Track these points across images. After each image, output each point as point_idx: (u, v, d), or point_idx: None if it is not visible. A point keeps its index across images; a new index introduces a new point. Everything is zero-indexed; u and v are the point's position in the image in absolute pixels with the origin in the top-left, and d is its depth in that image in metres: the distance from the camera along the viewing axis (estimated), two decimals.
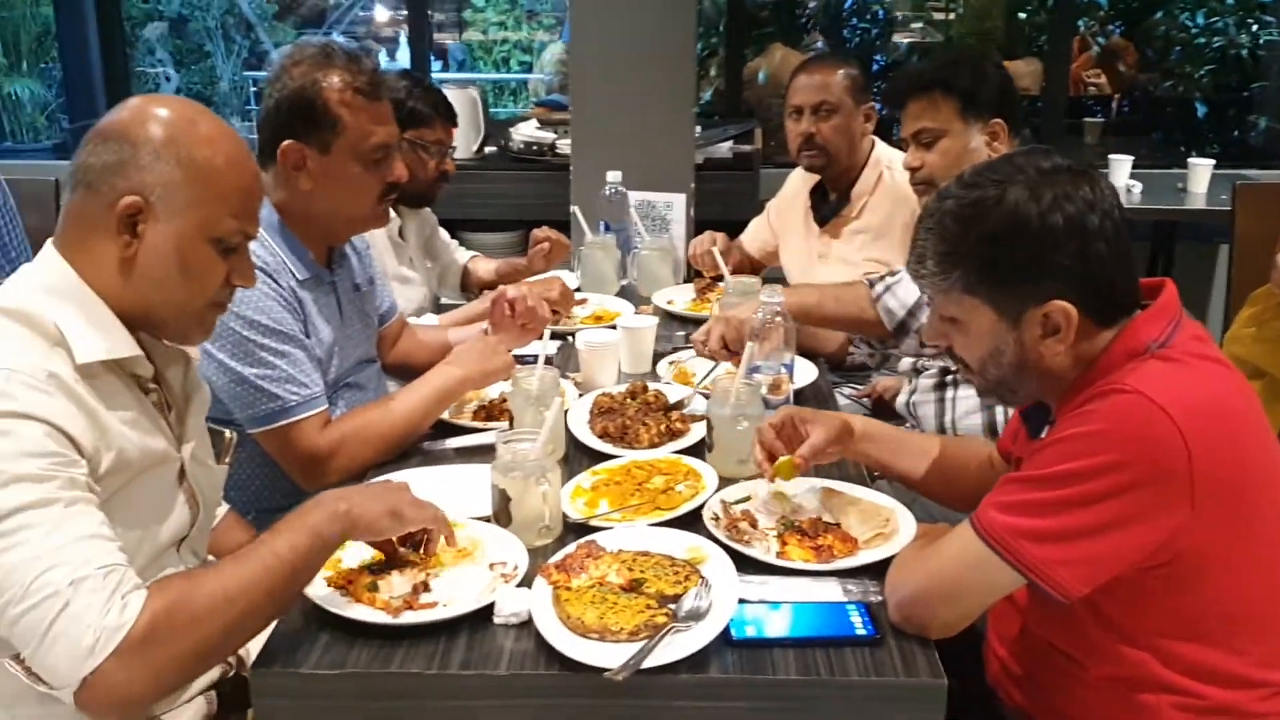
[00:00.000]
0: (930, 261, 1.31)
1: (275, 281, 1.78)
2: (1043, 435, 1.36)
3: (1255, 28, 6.07)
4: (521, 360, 1.98)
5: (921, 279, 1.35)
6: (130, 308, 1.28)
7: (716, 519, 1.52)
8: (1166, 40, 6.33)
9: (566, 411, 1.88)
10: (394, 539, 1.38)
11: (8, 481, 1.11)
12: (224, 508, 1.63)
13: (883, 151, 2.71)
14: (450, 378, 1.88)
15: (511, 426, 1.79)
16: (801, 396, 2.01)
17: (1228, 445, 1.21)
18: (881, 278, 2.07)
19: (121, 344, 1.27)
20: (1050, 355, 1.28)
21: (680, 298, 2.61)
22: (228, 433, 1.53)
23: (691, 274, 2.79)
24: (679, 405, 1.92)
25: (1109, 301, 1.28)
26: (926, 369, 2.11)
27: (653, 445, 1.79)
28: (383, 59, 8.16)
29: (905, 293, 2.01)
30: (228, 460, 1.53)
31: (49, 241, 1.31)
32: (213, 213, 1.28)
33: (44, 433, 1.14)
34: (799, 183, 2.86)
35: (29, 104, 6.58)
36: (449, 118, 2.62)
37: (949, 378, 2.05)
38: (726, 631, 1.25)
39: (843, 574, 1.41)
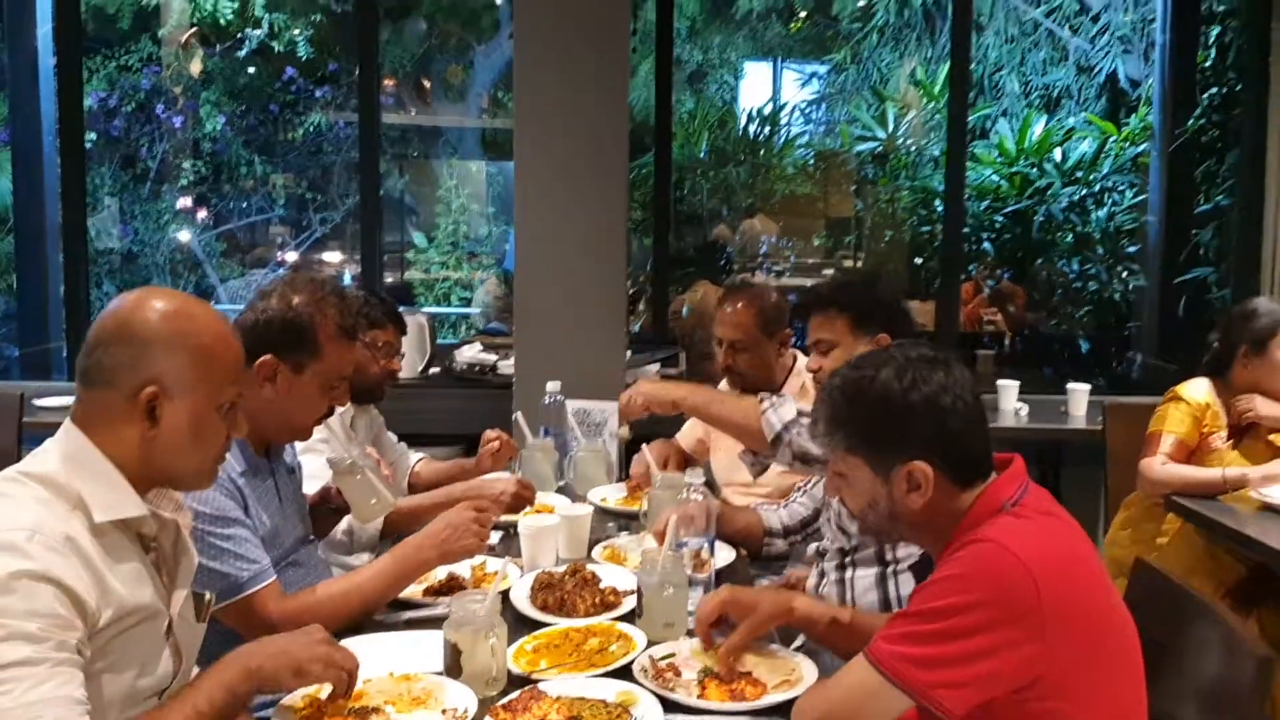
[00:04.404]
0: (822, 425, 1.61)
1: None
2: None
3: (1125, 275, 6.76)
4: None
5: (816, 439, 1.64)
6: (148, 475, 1.48)
7: (645, 670, 1.72)
8: (1050, 284, 7.00)
9: (508, 591, 2.08)
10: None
11: (8, 636, 1.27)
12: (194, 670, 1.77)
13: (804, 363, 3.06)
14: (418, 559, 2.02)
15: None
16: (722, 576, 2.24)
17: (1070, 584, 1.46)
18: (769, 397, 2.36)
19: (132, 506, 1.46)
20: (913, 506, 1.54)
21: (613, 495, 2.85)
22: (207, 594, 1.69)
23: (623, 475, 3.05)
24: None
25: (963, 466, 1.56)
26: (827, 552, 2.35)
27: (588, 615, 1.99)
28: None
29: (785, 410, 2.30)
30: (205, 620, 1.69)
31: (68, 419, 1.51)
32: (218, 385, 1.50)
33: (53, 594, 1.31)
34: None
35: None
36: (398, 323, 2.93)
37: (846, 558, 2.29)
38: None
39: (755, 713, 1.61)
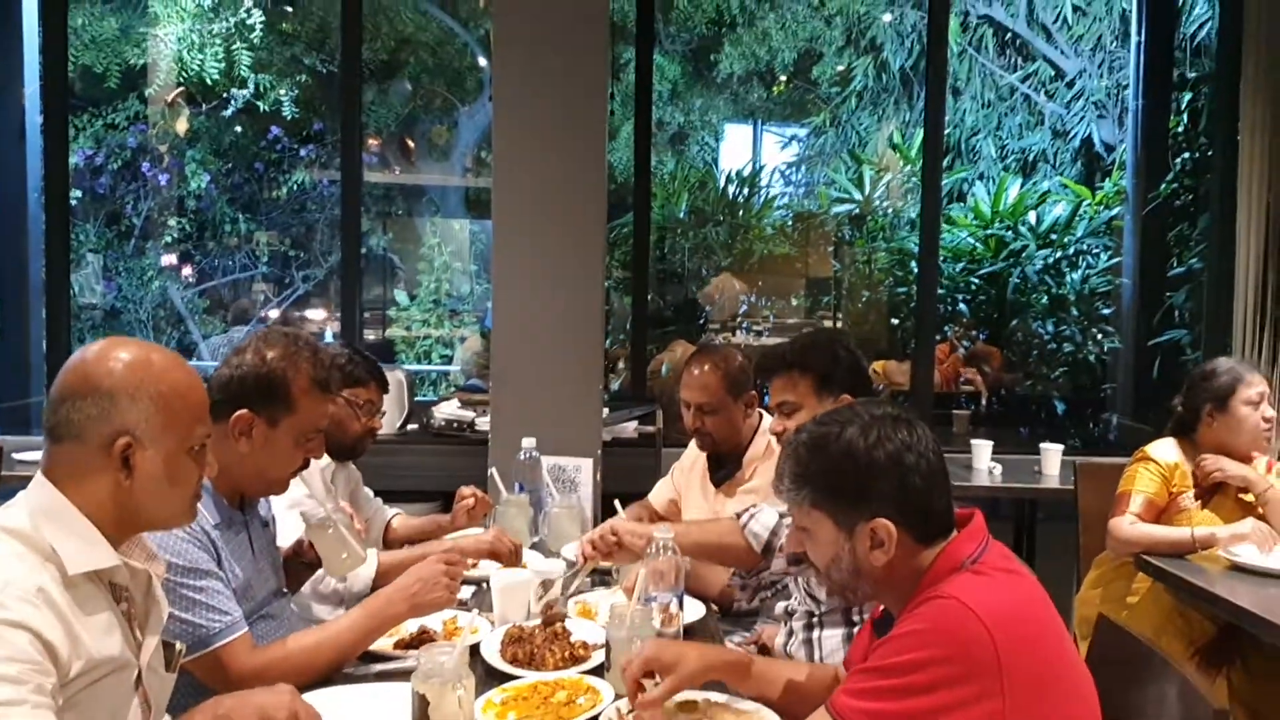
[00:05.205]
0: (786, 480, 1.63)
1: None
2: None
3: (1100, 336, 6.84)
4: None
5: (781, 494, 1.65)
6: (125, 522, 1.50)
7: None
8: (1026, 345, 7.08)
9: (478, 644, 2.09)
10: None
11: None
12: (166, 718, 1.77)
13: (769, 423, 3.09)
14: (389, 612, 2.03)
15: None
16: (691, 632, 2.25)
17: (1028, 641, 1.48)
18: (745, 510, 2.37)
19: (105, 557, 1.48)
20: (876, 564, 1.57)
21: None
22: (178, 644, 1.70)
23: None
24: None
25: (924, 523, 1.58)
26: (795, 612, 2.37)
27: (557, 668, 2.00)
28: None
29: (766, 517, 2.32)
30: (175, 670, 1.69)
31: (39, 472, 1.53)
32: (187, 428, 1.54)
33: (28, 641, 1.33)
34: (697, 449, 3.21)
35: None
36: (380, 381, 2.94)
37: (814, 619, 2.30)
38: None
39: None
